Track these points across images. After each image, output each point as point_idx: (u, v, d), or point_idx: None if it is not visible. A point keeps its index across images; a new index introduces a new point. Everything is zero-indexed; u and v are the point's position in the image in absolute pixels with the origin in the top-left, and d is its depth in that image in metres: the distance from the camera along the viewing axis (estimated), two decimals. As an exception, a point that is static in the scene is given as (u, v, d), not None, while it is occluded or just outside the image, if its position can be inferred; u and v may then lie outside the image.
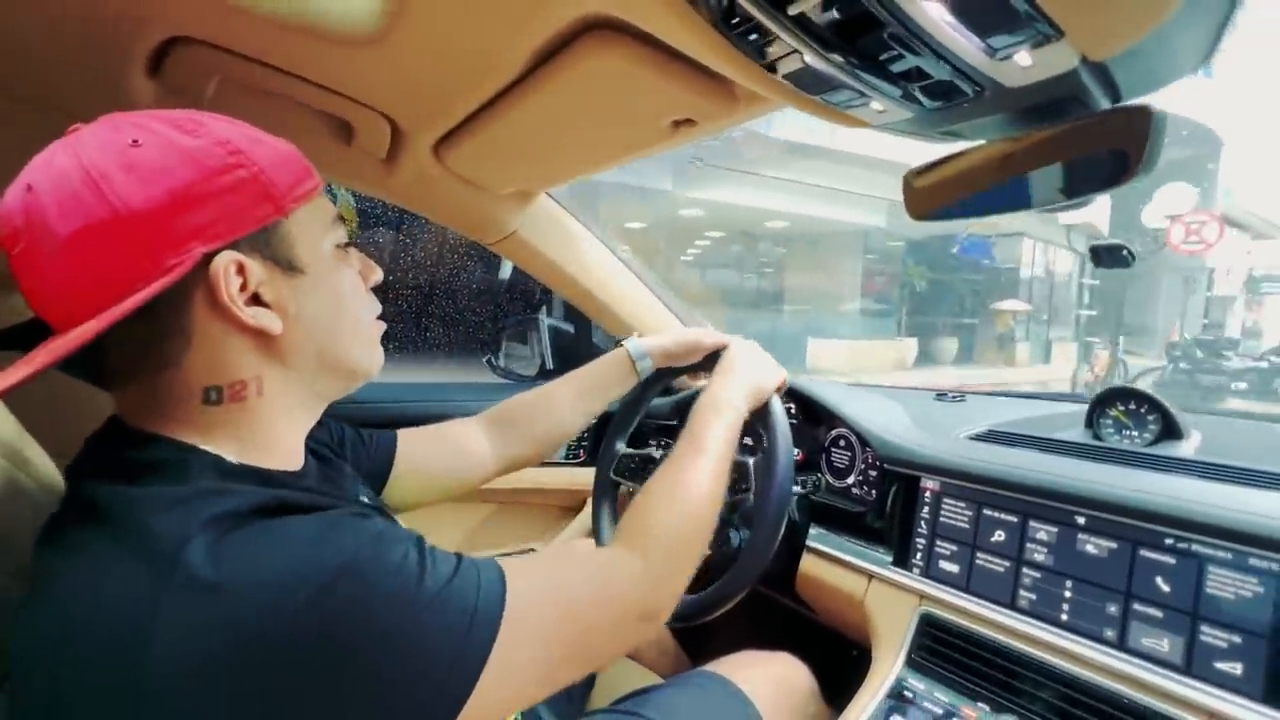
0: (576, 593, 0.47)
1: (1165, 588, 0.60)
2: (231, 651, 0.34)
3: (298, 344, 0.46)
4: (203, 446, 0.42)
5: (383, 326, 0.56)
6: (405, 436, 0.77)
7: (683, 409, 1.22)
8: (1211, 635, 0.56)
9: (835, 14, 0.41)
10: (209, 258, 0.40)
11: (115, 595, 0.35)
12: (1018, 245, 13.29)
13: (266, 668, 0.34)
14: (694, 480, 0.62)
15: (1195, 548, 0.59)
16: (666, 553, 0.55)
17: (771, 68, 0.49)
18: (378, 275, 0.56)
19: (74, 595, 0.36)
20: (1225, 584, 0.57)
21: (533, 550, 1.28)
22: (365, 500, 0.60)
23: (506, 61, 0.62)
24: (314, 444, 0.60)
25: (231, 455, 0.43)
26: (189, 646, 0.33)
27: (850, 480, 0.94)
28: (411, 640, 0.37)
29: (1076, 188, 0.52)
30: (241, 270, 0.42)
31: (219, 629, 0.34)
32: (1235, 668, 0.55)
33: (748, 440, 0.96)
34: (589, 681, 0.93)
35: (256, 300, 0.43)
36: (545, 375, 1.42)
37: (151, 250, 0.38)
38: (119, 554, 0.36)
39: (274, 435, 0.47)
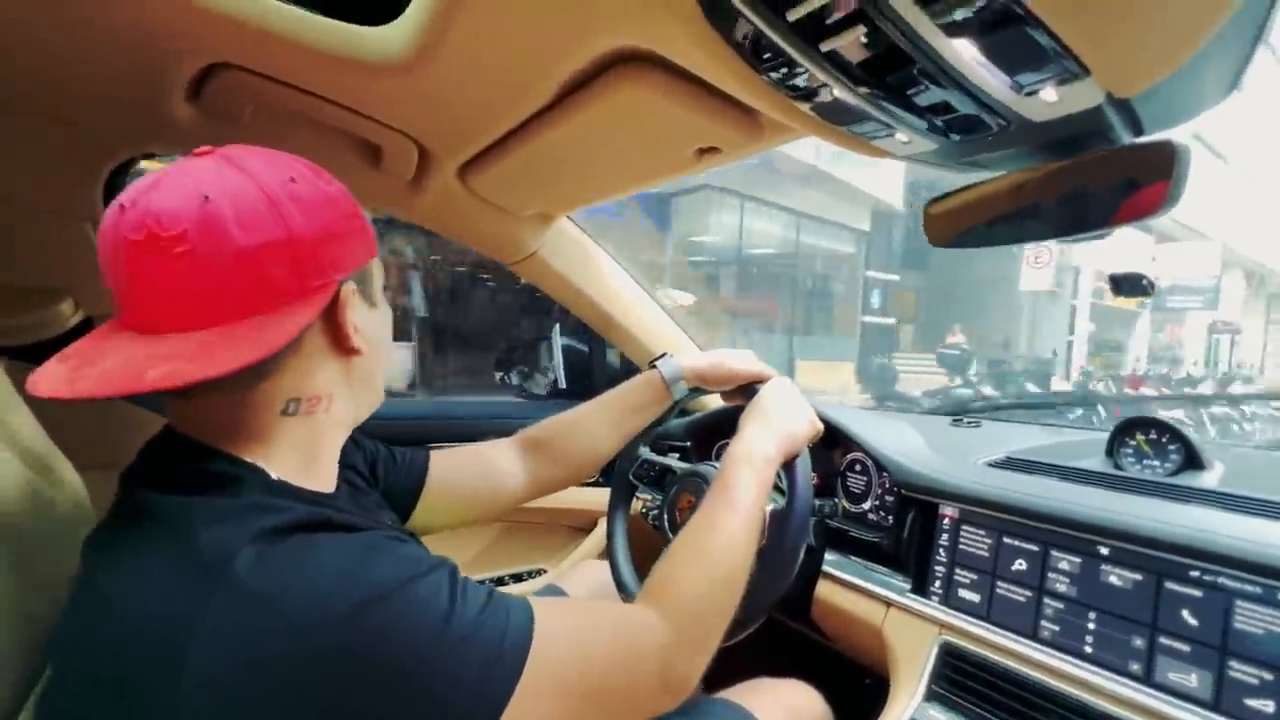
0: (600, 651, 0.47)
1: (1192, 621, 0.59)
2: (266, 662, 0.35)
3: (366, 368, 0.53)
4: (258, 463, 0.45)
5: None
6: (437, 457, 0.77)
7: (696, 432, 1.22)
8: (1241, 671, 0.55)
9: (865, 50, 0.42)
10: (340, 284, 0.47)
11: (162, 598, 0.37)
12: (709, 203, 7.91)
13: (297, 681, 0.35)
14: (726, 540, 0.60)
15: (1222, 581, 0.58)
16: (694, 618, 0.54)
17: (799, 99, 0.50)
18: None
19: (121, 597, 0.38)
20: (1255, 619, 0.56)
21: (544, 571, 1.27)
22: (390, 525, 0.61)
23: (537, 91, 0.63)
24: (345, 470, 0.62)
25: (281, 473, 0.46)
26: (228, 652, 0.35)
27: (867, 505, 0.94)
28: (435, 672, 0.38)
29: (1099, 219, 0.52)
30: (351, 298, 0.48)
31: (258, 638, 0.35)
32: (1267, 705, 0.54)
33: None
34: None
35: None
36: (557, 394, 1.43)
37: (305, 272, 0.44)
38: (169, 560, 0.38)
39: (323, 454, 0.51)
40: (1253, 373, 11.24)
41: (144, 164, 0.82)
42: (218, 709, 0.35)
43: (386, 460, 0.72)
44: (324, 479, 0.51)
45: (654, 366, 0.87)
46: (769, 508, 0.77)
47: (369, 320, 0.52)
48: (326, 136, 0.78)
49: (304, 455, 0.48)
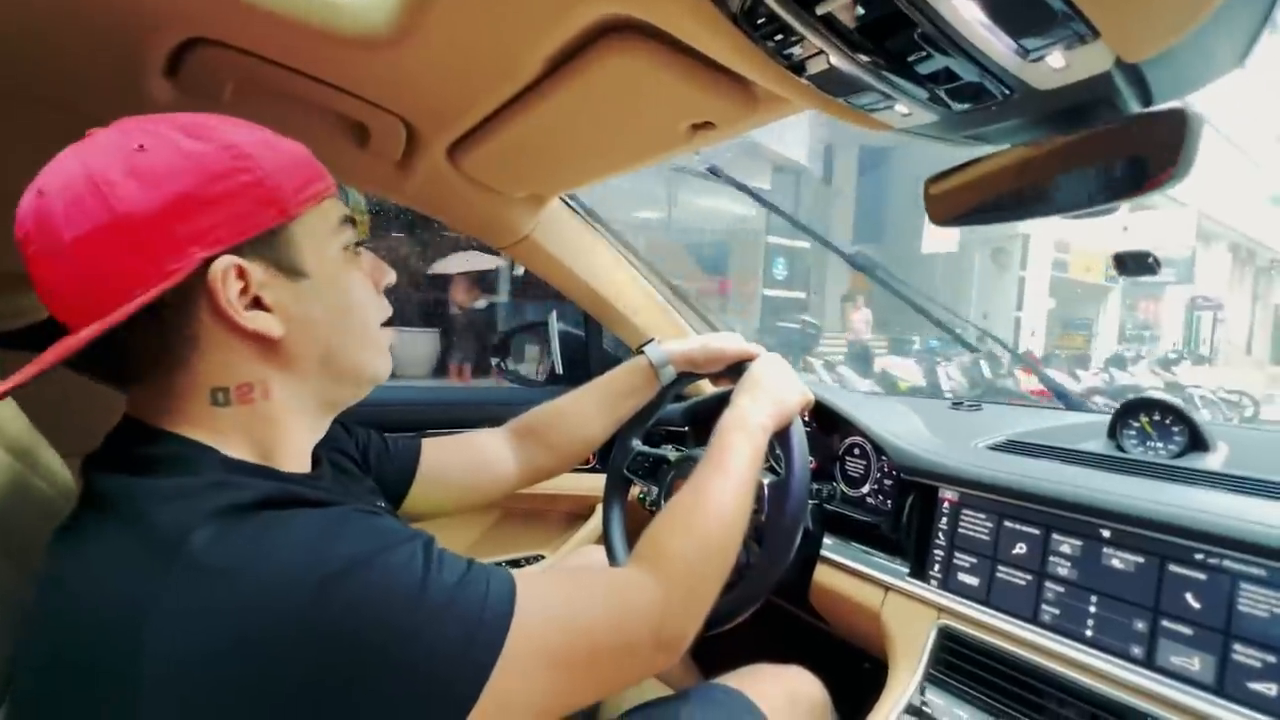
0: (589, 614, 0.46)
1: (1195, 604, 0.58)
2: (230, 641, 0.34)
3: (301, 348, 0.46)
4: (210, 444, 0.43)
5: (391, 333, 0.55)
6: (430, 445, 0.77)
7: (694, 416, 1.21)
8: (1245, 654, 0.55)
9: (864, 14, 0.40)
10: (209, 262, 0.40)
11: (116, 580, 0.36)
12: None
13: (265, 660, 0.34)
14: (717, 504, 0.60)
15: (1227, 563, 0.57)
16: (686, 579, 0.53)
17: (795, 69, 0.48)
18: (390, 277, 0.55)
19: (77, 581, 0.37)
20: (1259, 601, 0.55)
21: (541, 557, 1.27)
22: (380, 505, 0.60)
23: (524, 65, 0.61)
24: (335, 454, 0.60)
25: (241, 455, 0.44)
26: (186, 634, 0.34)
27: (865, 489, 0.93)
28: (413, 644, 0.37)
29: (1106, 192, 0.51)
30: (242, 274, 0.42)
31: (219, 617, 0.34)
32: (1270, 689, 0.53)
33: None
34: None
35: (258, 304, 0.43)
36: (554, 380, 1.42)
37: (152, 255, 0.39)
38: (123, 542, 0.37)
39: (283, 439, 0.47)
40: (1213, 354, 10.74)
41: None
42: (180, 694, 0.33)
43: (379, 448, 0.72)
44: (293, 463, 0.48)
45: (641, 351, 0.87)
46: (766, 480, 0.77)
47: (298, 294, 0.45)
48: (312, 116, 0.76)
49: (258, 442, 0.45)
